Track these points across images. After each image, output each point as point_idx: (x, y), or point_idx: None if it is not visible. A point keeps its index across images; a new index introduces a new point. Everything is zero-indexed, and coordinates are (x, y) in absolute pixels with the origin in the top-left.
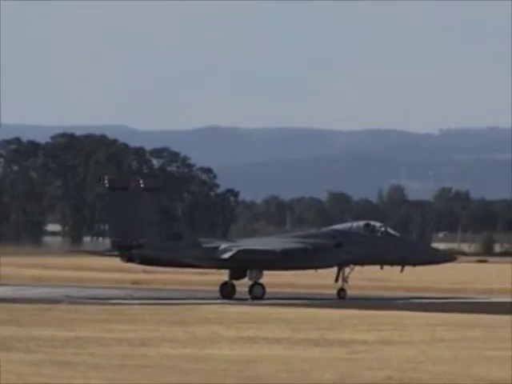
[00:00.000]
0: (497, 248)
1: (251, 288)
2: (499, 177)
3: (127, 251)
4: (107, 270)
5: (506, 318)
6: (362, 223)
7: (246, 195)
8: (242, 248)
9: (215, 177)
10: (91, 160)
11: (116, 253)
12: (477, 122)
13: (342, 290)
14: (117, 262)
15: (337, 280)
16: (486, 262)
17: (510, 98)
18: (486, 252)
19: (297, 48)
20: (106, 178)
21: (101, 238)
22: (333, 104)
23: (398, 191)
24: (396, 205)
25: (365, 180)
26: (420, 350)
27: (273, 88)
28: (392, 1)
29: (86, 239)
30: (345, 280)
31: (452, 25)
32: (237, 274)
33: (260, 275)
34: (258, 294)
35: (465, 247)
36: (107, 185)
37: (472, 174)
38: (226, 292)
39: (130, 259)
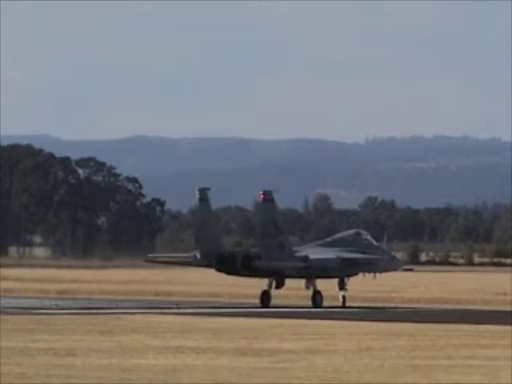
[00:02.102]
0: (423, 257)
1: (314, 296)
2: (423, 185)
3: (231, 261)
4: (33, 279)
5: (430, 326)
6: (352, 232)
7: (172, 205)
8: (344, 256)
9: (141, 186)
10: (16, 170)
11: (210, 262)
12: (401, 132)
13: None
14: (43, 272)
15: (341, 288)
16: (411, 270)
17: (434, 108)
18: (412, 261)
19: (221, 57)
20: None
21: (27, 249)
22: (258, 113)
23: (323, 200)
24: (321, 214)
25: (291, 189)
26: (346, 358)
27: (198, 97)
28: (314, 5)
29: (12, 249)
30: (345, 288)
31: (376, 33)
32: (280, 284)
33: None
34: (319, 302)
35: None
36: None
37: (397, 183)
38: (267, 300)
39: (233, 270)
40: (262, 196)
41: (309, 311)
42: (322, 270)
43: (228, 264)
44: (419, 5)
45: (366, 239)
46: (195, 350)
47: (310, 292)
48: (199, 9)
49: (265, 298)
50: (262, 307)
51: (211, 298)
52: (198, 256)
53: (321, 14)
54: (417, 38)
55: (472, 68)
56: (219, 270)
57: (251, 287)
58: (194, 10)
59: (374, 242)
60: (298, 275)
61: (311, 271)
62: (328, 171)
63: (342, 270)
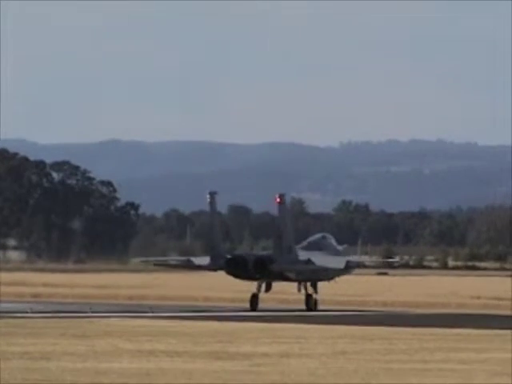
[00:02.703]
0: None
1: (308, 299)
2: (397, 189)
3: (242, 265)
4: (7, 283)
5: (405, 330)
6: (319, 235)
7: (146, 209)
8: (351, 260)
9: (115, 190)
10: None
11: (220, 266)
12: (377, 135)
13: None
14: (18, 275)
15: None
16: (386, 274)
17: (408, 111)
18: (386, 264)
19: (195, 61)
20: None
21: (1, 252)
22: (232, 117)
23: (297, 204)
24: (295, 217)
25: (265, 193)
26: (321, 362)
27: (172, 101)
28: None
29: None
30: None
31: (351, 36)
32: (270, 287)
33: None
34: (313, 305)
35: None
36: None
37: (371, 187)
38: (255, 304)
39: (245, 273)
40: (279, 199)
41: (287, 315)
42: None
43: (239, 267)
44: (401, 5)
45: (331, 243)
46: (169, 354)
47: (303, 295)
48: (175, 11)
49: (254, 301)
50: (251, 310)
51: (187, 302)
52: (208, 261)
53: (299, 16)
54: (391, 41)
55: (447, 72)
56: (230, 273)
57: (225, 291)
58: (171, 12)
59: (338, 247)
60: (301, 278)
61: (316, 275)
62: (302, 175)
63: (343, 273)
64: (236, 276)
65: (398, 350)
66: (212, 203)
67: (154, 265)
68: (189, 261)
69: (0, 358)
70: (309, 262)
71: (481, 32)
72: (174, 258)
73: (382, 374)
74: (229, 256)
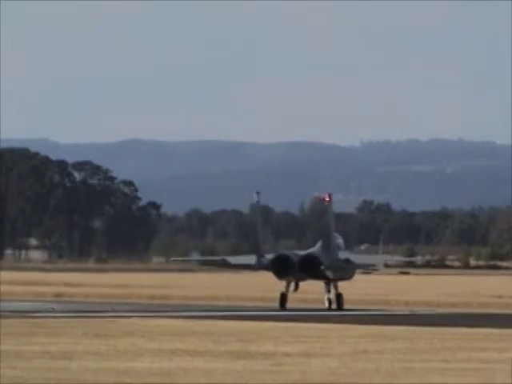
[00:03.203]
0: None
1: (338, 299)
2: (419, 188)
3: (288, 264)
4: (29, 283)
5: (426, 329)
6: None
7: (167, 208)
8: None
9: (137, 190)
10: (13, 173)
11: (267, 266)
12: (397, 135)
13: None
14: (39, 275)
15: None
16: (408, 273)
17: (429, 110)
18: (408, 264)
19: (216, 60)
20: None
21: (23, 252)
22: (254, 116)
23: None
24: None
25: (287, 192)
26: (342, 362)
27: (194, 101)
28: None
29: (8, 252)
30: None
31: (372, 36)
32: (297, 286)
33: None
34: (342, 304)
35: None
36: None
37: (393, 186)
38: (285, 303)
39: (289, 273)
40: (328, 198)
41: (320, 314)
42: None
43: (285, 267)
44: (418, 5)
45: (341, 243)
46: (190, 353)
47: (332, 295)
48: (197, 10)
49: (283, 300)
50: (281, 309)
51: (209, 302)
52: (255, 261)
53: (319, 16)
54: (412, 40)
55: (467, 71)
56: (275, 272)
57: (247, 290)
58: (193, 11)
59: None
60: (338, 277)
61: (350, 274)
62: (324, 174)
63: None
64: (280, 275)
65: (419, 350)
66: (258, 203)
67: (199, 265)
68: (224, 260)
69: (21, 358)
70: (348, 261)
71: (501, 29)
72: (210, 258)
73: (404, 374)
74: (274, 255)
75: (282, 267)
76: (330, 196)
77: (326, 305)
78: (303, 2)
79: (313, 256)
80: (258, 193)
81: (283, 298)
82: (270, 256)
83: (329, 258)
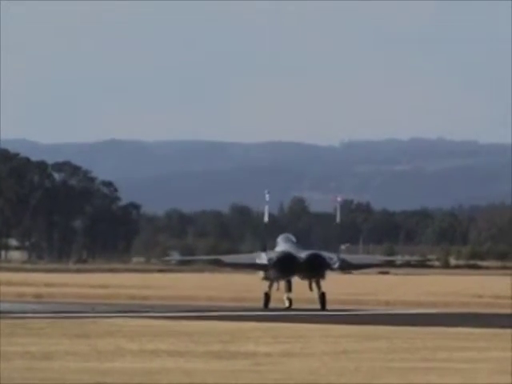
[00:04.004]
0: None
1: (322, 298)
2: (398, 188)
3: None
4: (8, 283)
5: (406, 329)
6: (285, 235)
7: (147, 208)
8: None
9: (116, 190)
10: None
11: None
12: (377, 134)
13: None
14: (19, 275)
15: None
16: (387, 273)
17: (408, 110)
18: (388, 263)
19: (196, 59)
20: None
21: (3, 252)
22: (234, 116)
23: (299, 203)
24: (297, 217)
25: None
26: (323, 362)
27: (173, 100)
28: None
29: None
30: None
31: (352, 34)
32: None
33: None
34: (325, 303)
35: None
36: None
37: (373, 186)
38: (268, 302)
39: (295, 271)
40: (339, 198)
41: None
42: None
43: (290, 265)
44: (401, 5)
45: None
46: (171, 354)
47: (316, 294)
48: (175, 8)
49: (267, 300)
50: (265, 310)
51: (189, 302)
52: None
53: (295, 16)
54: (392, 39)
55: (447, 70)
56: (280, 271)
57: (227, 290)
58: (172, 9)
59: None
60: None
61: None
62: (303, 174)
63: None
64: (285, 274)
65: (399, 349)
66: (268, 202)
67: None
68: (218, 259)
69: (1, 358)
70: (344, 259)
71: (481, 29)
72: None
73: (384, 373)
74: (280, 254)
75: (288, 265)
76: (341, 197)
77: (287, 304)
78: (288, 2)
79: (319, 254)
80: (268, 192)
81: (267, 297)
82: (271, 255)
83: (338, 257)
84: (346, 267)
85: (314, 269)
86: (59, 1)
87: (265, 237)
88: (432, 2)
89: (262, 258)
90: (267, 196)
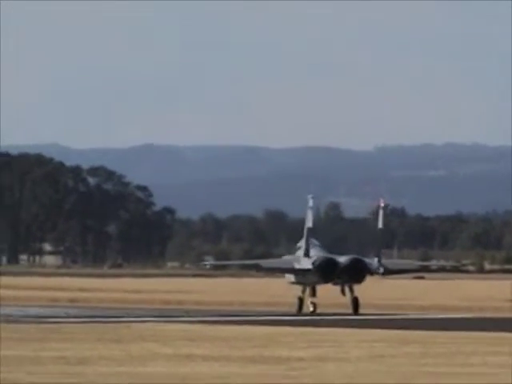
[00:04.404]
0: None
1: (355, 302)
2: (434, 193)
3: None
4: (43, 288)
5: (441, 334)
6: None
7: (182, 213)
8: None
9: (151, 195)
10: (27, 179)
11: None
12: (411, 139)
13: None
14: (53, 280)
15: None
16: (422, 278)
17: (443, 115)
18: (423, 268)
19: (229, 64)
20: None
21: (38, 257)
22: (268, 121)
23: (334, 208)
24: (332, 222)
25: (301, 198)
26: (357, 366)
27: (207, 105)
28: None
29: (23, 257)
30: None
31: (386, 40)
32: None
33: None
34: (358, 307)
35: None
36: None
37: (407, 191)
38: (302, 307)
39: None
40: (383, 204)
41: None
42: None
43: (330, 270)
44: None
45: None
46: (205, 358)
47: (349, 298)
48: (208, 11)
49: (301, 305)
50: (298, 314)
51: (223, 307)
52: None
53: (327, 21)
54: (427, 44)
55: (483, 75)
56: (321, 276)
57: (260, 295)
58: (203, 12)
59: None
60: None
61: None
62: (338, 179)
63: None
64: (327, 279)
65: (434, 354)
66: (312, 207)
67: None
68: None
69: (37, 363)
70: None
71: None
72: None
73: (418, 378)
74: (322, 259)
75: (331, 270)
76: (384, 201)
77: (311, 309)
78: (311, 2)
79: (361, 260)
80: (313, 197)
81: (301, 302)
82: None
83: (380, 262)
84: (387, 272)
85: (356, 273)
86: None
87: (308, 242)
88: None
89: (305, 263)
90: (311, 201)
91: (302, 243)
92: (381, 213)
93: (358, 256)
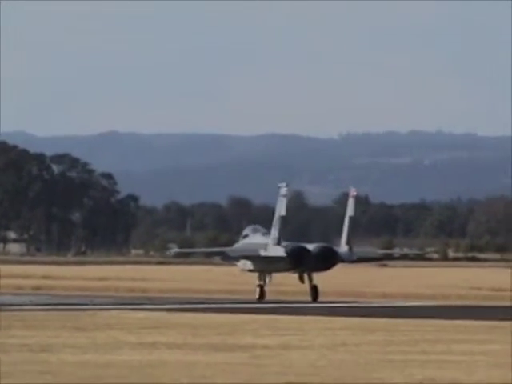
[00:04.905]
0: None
1: (314, 290)
2: (397, 181)
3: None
4: (7, 275)
5: (405, 321)
6: (252, 226)
7: (146, 201)
8: None
9: (115, 182)
10: None
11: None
12: (376, 127)
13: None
14: (17, 267)
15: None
16: (385, 266)
17: (408, 102)
18: (387, 256)
19: (194, 51)
20: None
21: (2, 245)
22: (232, 109)
23: (297, 196)
24: (296, 210)
25: (265, 185)
26: (321, 354)
27: (172, 93)
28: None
29: None
30: None
31: (350, 28)
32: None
33: None
34: (317, 295)
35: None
36: None
37: (371, 178)
38: (263, 295)
39: (309, 264)
40: (355, 192)
41: (289, 306)
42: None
43: (302, 258)
44: (407, 4)
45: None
46: (170, 346)
47: (308, 286)
48: (175, 3)
49: (262, 293)
50: (259, 301)
51: (186, 294)
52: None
53: (299, 6)
54: (390, 32)
55: (446, 62)
56: (292, 264)
57: (224, 282)
58: (170, 4)
59: None
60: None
61: None
62: (302, 167)
63: None
64: (298, 267)
65: (398, 342)
66: (286, 195)
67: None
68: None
69: (0, 351)
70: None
71: (482, 22)
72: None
73: (383, 366)
74: (292, 246)
75: (302, 258)
76: (356, 191)
77: (257, 296)
78: None
79: (331, 248)
80: (287, 185)
81: (262, 290)
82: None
83: (351, 250)
84: (357, 260)
85: (327, 261)
86: None
87: (281, 230)
88: None
89: (276, 251)
90: (285, 189)
91: (247, 231)
92: (352, 201)
93: (328, 244)
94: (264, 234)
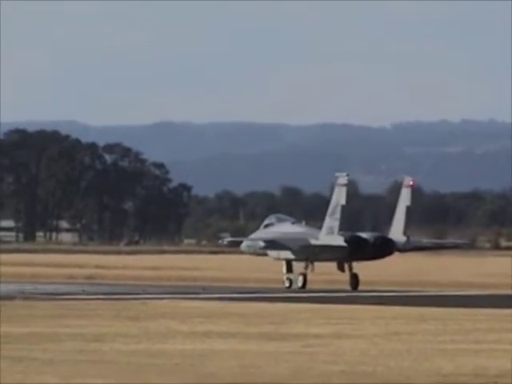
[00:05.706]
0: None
1: (355, 279)
2: (450, 170)
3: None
4: (59, 265)
5: (458, 310)
6: (275, 216)
7: (198, 190)
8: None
9: (167, 172)
10: (43, 156)
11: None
12: (428, 116)
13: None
14: (70, 257)
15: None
16: (438, 254)
17: (460, 91)
18: (439, 246)
19: (246, 42)
20: None
21: (54, 234)
22: (285, 98)
23: (350, 185)
24: (348, 199)
25: (317, 174)
26: (373, 343)
27: (224, 82)
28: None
29: (40, 235)
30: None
31: (400, 19)
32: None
33: None
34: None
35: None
36: None
37: (423, 167)
38: (305, 283)
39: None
40: (412, 182)
41: (337, 295)
42: None
43: (360, 247)
44: None
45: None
46: (222, 335)
47: (348, 275)
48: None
49: (305, 281)
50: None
51: (239, 284)
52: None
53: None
54: (441, 23)
55: (498, 51)
56: (350, 253)
57: (273, 272)
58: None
59: None
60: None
61: None
62: (355, 156)
63: None
64: (355, 256)
65: (451, 331)
66: (346, 184)
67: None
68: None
69: (53, 340)
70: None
71: None
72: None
73: (435, 355)
74: (350, 236)
75: (359, 247)
76: (414, 181)
77: (287, 285)
78: None
79: (387, 237)
80: (347, 174)
81: (305, 278)
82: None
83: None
84: (414, 249)
85: (384, 251)
86: None
87: (341, 219)
88: None
89: (335, 240)
90: (346, 179)
91: (271, 220)
92: (408, 191)
93: (382, 233)
94: (293, 223)
